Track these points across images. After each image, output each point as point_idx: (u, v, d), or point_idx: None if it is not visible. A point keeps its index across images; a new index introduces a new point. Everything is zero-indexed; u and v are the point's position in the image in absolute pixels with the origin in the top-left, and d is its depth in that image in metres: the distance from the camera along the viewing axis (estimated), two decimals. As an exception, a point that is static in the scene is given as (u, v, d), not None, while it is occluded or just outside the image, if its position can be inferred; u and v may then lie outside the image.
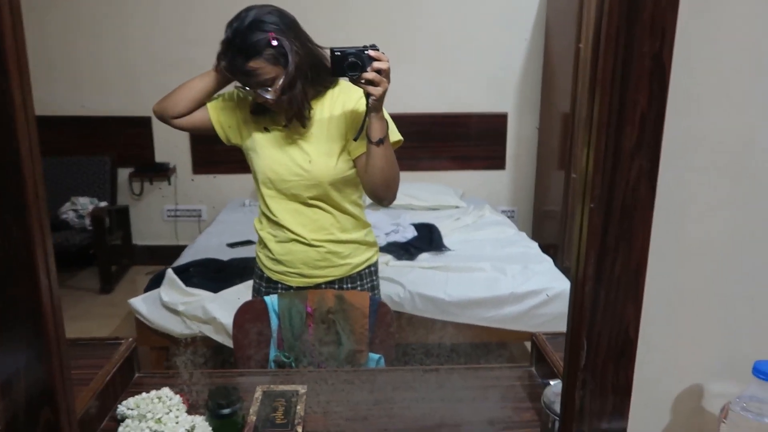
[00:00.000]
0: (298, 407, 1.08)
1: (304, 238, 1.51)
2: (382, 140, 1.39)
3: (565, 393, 0.75)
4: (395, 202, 3.27)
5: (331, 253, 1.54)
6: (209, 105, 1.55)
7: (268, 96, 1.39)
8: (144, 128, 3.93)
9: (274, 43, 1.35)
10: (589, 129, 0.64)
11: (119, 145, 3.97)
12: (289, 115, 1.45)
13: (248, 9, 1.39)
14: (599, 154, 0.63)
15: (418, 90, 3.70)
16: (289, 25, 1.39)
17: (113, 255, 3.84)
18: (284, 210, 1.52)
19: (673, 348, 0.72)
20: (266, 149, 1.51)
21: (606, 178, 0.63)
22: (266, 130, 1.52)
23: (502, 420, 1.07)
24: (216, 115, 1.55)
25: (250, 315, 1.48)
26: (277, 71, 1.37)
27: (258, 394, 1.12)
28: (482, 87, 3.92)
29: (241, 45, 1.36)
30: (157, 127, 3.95)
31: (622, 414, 0.74)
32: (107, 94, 3.89)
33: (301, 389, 1.13)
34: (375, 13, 3.70)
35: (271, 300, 1.52)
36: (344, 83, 1.49)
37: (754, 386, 0.67)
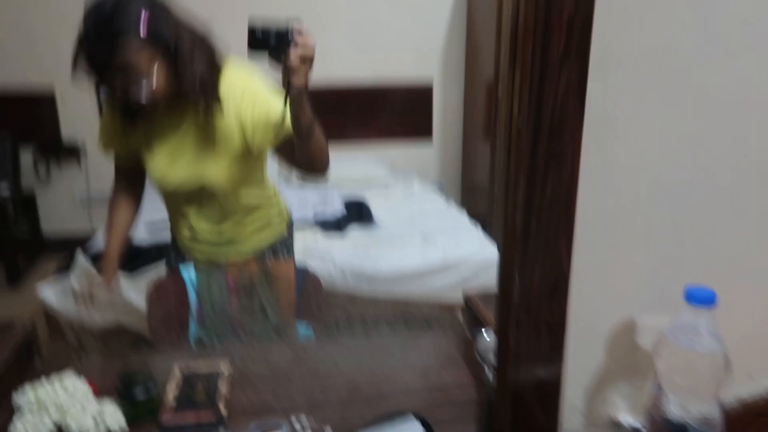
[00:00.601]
0: (220, 385, 0.98)
1: (208, 229, 1.42)
2: (311, 130, 1.21)
3: (499, 336, 0.70)
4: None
5: (236, 233, 1.45)
6: (105, 139, 1.41)
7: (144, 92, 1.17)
8: (46, 103, 3.61)
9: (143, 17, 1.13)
10: (514, 39, 0.58)
11: (20, 124, 3.63)
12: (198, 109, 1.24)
13: None
14: (525, 66, 0.57)
15: (343, 60, 3.60)
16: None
17: (20, 246, 3.53)
18: (182, 206, 1.42)
19: (605, 280, 0.68)
20: (157, 155, 1.34)
21: (534, 92, 0.57)
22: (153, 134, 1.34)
23: (438, 384, 1.01)
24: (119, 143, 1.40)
25: (165, 290, 1.37)
26: (152, 57, 1.16)
27: (176, 374, 1.02)
28: (407, 56, 3.85)
29: (103, 32, 1.13)
30: (62, 102, 3.65)
31: (558, 355, 0.70)
32: (1, 64, 3.55)
33: (224, 366, 1.04)
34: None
35: (189, 273, 1.40)
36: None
37: (686, 314, 0.64)
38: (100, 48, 1.14)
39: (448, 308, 2.43)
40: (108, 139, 1.40)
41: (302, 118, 1.18)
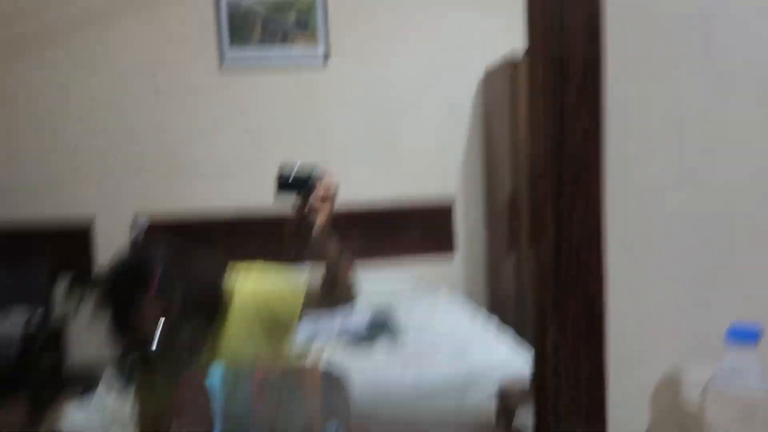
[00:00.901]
0: None
1: None
2: (339, 261, 1.31)
3: (536, 397, 0.68)
4: None
5: None
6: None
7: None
8: (82, 238, 3.76)
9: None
10: (534, 84, 0.63)
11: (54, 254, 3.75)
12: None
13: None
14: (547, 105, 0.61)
15: (364, 180, 3.74)
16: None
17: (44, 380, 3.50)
18: None
19: (644, 332, 0.67)
20: None
21: (557, 132, 0.61)
22: None
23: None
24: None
25: (188, 391, 1.33)
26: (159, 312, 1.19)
27: None
28: (427, 175, 4.00)
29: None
30: (99, 236, 3.79)
31: (600, 415, 0.67)
32: (41, 198, 3.73)
33: None
34: (312, 104, 3.81)
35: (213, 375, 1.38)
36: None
37: (732, 355, 0.61)
38: (117, 303, 1.20)
39: (481, 427, 2.30)
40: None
41: (327, 252, 1.29)
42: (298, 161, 1.28)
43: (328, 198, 1.22)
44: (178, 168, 3.76)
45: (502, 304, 3.86)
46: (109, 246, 3.74)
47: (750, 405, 0.60)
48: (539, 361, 0.65)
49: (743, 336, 0.60)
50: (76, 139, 3.73)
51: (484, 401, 2.27)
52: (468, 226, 4.08)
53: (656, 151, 0.66)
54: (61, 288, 3.78)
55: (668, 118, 0.67)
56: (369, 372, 2.33)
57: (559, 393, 0.64)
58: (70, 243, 3.79)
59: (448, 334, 2.81)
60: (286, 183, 1.26)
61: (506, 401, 1.15)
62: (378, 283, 3.61)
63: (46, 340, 3.55)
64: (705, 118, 0.68)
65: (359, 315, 2.97)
